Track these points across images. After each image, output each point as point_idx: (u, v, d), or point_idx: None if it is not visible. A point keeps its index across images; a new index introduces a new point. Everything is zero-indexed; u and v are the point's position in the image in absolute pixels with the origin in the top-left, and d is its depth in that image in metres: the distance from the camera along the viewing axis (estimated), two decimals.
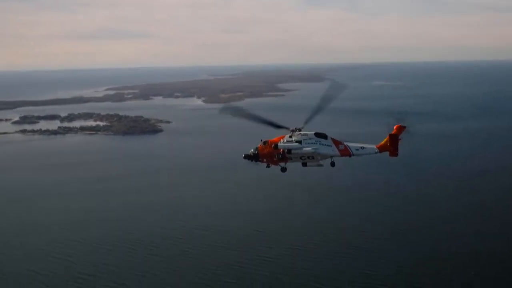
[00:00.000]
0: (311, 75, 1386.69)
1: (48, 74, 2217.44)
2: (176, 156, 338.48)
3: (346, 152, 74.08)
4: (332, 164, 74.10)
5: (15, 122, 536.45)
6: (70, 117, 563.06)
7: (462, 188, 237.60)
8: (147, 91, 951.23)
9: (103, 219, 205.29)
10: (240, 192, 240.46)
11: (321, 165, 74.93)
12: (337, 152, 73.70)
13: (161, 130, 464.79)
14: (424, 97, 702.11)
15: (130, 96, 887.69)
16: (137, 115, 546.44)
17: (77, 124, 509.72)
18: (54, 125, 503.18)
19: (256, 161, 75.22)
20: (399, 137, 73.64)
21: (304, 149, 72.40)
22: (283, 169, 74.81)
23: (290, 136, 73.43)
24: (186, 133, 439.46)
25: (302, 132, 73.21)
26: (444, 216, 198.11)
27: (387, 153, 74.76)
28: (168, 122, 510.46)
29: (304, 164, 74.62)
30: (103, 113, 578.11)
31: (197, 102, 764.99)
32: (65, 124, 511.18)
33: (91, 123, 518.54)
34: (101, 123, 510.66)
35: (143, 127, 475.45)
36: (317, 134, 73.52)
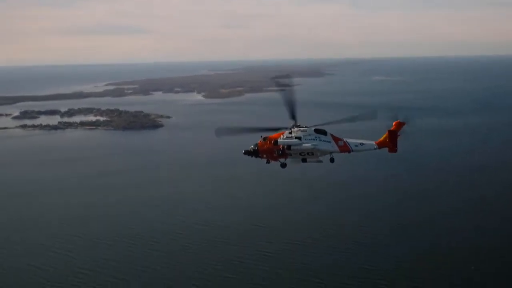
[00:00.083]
0: (311, 70, 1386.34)
1: (48, 69, 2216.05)
2: (176, 151, 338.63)
3: (345, 148, 74.34)
4: (332, 160, 74.46)
5: (15, 117, 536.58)
6: (70, 112, 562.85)
7: (462, 183, 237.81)
8: (147, 86, 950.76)
9: (103, 214, 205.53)
10: (240, 187, 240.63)
11: (320, 161, 75.31)
12: (336, 148, 73.93)
13: (161, 125, 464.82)
14: (424, 92, 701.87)
15: (130, 91, 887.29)
16: (137, 110, 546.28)
17: (77, 119, 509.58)
18: (54, 120, 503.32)
19: (256, 157, 75.53)
20: (398, 133, 73.72)
21: (303, 145, 72.61)
22: (283, 165, 75.21)
23: (290, 132, 73.60)
24: (186, 128, 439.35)
25: (301, 128, 73.41)
26: (444, 211, 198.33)
27: (387, 149, 74.91)
28: (168, 117, 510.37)
29: (304, 160, 74.85)
30: (103, 108, 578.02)
31: (197, 97, 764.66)
32: (65, 119, 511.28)
33: (91, 118, 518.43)
34: (101, 118, 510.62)
35: (143, 122, 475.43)
36: (317, 130, 73.72)
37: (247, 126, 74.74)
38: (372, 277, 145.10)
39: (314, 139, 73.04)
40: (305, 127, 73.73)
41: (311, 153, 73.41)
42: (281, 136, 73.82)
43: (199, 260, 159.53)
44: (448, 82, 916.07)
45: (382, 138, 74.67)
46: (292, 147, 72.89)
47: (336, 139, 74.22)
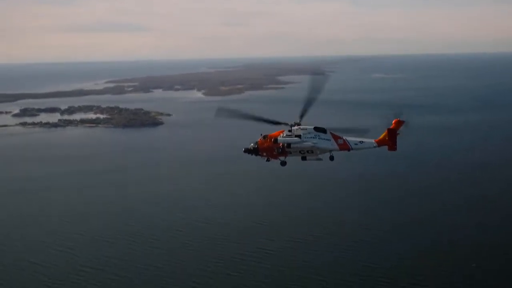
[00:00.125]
0: (312, 68, 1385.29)
1: (48, 66, 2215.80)
2: (176, 148, 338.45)
3: (345, 146, 74.53)
4: (331, 158, 74.64)
5: (16, 115, 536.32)
6: (70, 110, 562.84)
7: (463, 181, 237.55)
8: (147, 84, 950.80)
9: (103, 211, 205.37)
10: (240, 184, 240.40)
11: (320, 159, 75.49)
12: (336, 146, 74.09)
13: (161, 123, 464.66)
14: (425, 90, 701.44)
15: (130, 89, 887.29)
16: (137, 107, 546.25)
17: (77, 116, 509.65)
18: (55, 117, 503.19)
19: (256, 155, 75.67)
20: (398, 132, 73.62)
21: (303, 143, 72.84)
22: (283, 163, 75.24)
23: (290, 131, 73.80)
24: (186, 125, 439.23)
25: (301, 127, 73.66)
26: (445, 209, 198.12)
27: (386, 147, 74.77)
28: (168, 114, 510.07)
29: (304, 158, 74.92)
30: (103, 105, 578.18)
31: (197, 94, 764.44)
32: (66, 117, 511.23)
33: (91, 115, 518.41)
34: (101, 116, 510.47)
35: (143, 119, 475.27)
36: (316, 129, 73.88)
37: (248, 113, 74.44)
38: (373, 275, 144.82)
39: (313, 137, 73.26)
40: (305, 125, 73.71)
41: (311, 151, 73.72)
42: (281, 134, 73.90)
43: (200, 257, 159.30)
44: (449, 79, 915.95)
45: (381, 136, 74.74)
46: (292, 145, 73.12)
47: (335, 137, 74.46)
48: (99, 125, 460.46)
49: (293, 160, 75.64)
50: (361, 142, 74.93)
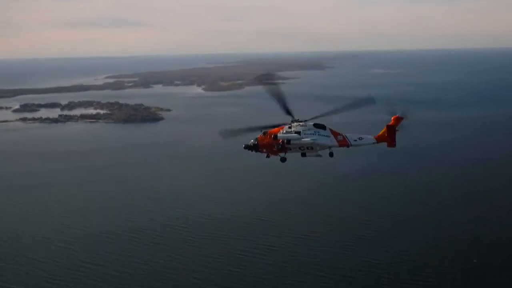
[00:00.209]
0: (311, 63, 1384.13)
1: (48, 62, 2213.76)
2: (176, 144, 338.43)
3: (344, 143, 74.58)
4: (331, 154, 74.75)
5: (16, 110, 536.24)
6: (71, 105, 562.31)
7: (463, 176, 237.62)
8: (147, 79, 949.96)
9: (103, 207, 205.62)
10: (240, 180, 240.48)
11: (319, 156, 75.60)
12: (335, 142, 74.14)
13: (161, 118, 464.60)
14: (425, 85, 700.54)
15: (130, 84, 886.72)
16: (137, 103, 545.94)
17: (77, 112, 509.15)
18: (55, 113, 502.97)
19: (256, 151, 75.88)
20: (397, 128, 73.69)
21: (303, 139, 72.87)
22: (283, 159, 75.47)
23: (290, 127, 73.92)
24: (187, 121, 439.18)
25: (301, 123, 73.73)
26: (446, 204, 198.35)
27: (385, 143, 74.87)
28: (169, 110, 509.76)
29: (303, 155, 75.12)
30: (103, 101, 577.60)
31: (197, 90, 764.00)
32: (66, 112, 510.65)
33: (91, 111, 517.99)
34: (102, 111, 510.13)
35: (143, 115, 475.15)
36: (316, 125, 74.00)
37: (250, 126, 74.89)
38: (374, 270, 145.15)
39: (313, 134, 73.30)
40: (305, 121, 73.84)
41: (310, 147, 73.78)
42: (281, 131, 74.04)
43: (200, 253, 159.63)
44: (449, 74, 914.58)
45: (381, 133, 74.76)
46: (291, 142, 73.23)
47: (335, 134, 74.47)
48: (100, 121, 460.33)
49: (293, 157, 75.80)
50: (360, 138, 75.01)
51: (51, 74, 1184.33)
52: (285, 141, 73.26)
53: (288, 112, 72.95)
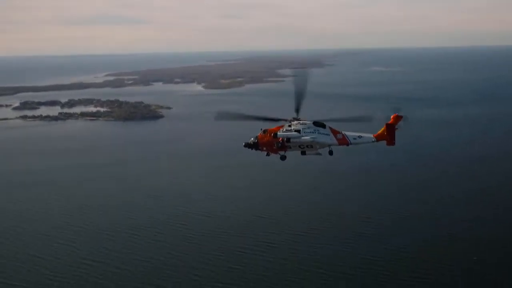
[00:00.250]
0: (311, 61, 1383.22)
1: (48, 59, 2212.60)
2: (176, 141, 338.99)
3: (344, 141, 75.09)
4: (330, 152, 75.29)
5: (16, 108, 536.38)
6: (71, 103, 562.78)
7: (462, 174, 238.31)
8: (147, 77, 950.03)
9: (104, 205, 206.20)
10: (240, 178, 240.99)
11: (319, 154, 76.05)
12: (335, 141, 74.65)
13: (161, 116, 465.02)
14: (424, 83, 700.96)
15: (130, 82, 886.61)
16: (138, 101, 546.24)
17: (77, 110, 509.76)
18: (55, 111, 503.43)
19: (256, 149, 76.32)
20: (396, 127, 74.28)
21: (303, 138, 73.32)
22: (283, 158, 75.99)
23: (289, 125, 74.27)
24: (187, 119, 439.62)
25: (301, 122, 74.15)
26: (445, 202, 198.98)
27: (385, 142, 75.48)
28: (169, 108, 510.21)
29: (303, 153, 75.64)
30: (103, 99, 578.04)
31: (198, 87, 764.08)
32: (66, 110, 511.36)
33: (91, 109, 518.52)
34: (102, 109, 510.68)
35: (143, 113, 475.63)
36: (316, 123, 74.38)
37: (248, 114, 75.31)
38: (374, 268, 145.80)
39: (313, 132, 73.74)
40: (304, 120, 74.35)
41: (310, 145, 74.23)
42: (281, 129, 74.50)
43: (200, 250, 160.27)
44: (448, 72, 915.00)
45: (380, 131, 75.31)
46: (291, 140, 73.66)
47: (334, 132, 74.96)
48: (100, 118, 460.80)
49: (292, 155, 76.40)
50: (360, 137, 75.56)
51: (51, 72, 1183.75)
52: (285, 139, 73.68)
53: (298, 109, 73.63)
